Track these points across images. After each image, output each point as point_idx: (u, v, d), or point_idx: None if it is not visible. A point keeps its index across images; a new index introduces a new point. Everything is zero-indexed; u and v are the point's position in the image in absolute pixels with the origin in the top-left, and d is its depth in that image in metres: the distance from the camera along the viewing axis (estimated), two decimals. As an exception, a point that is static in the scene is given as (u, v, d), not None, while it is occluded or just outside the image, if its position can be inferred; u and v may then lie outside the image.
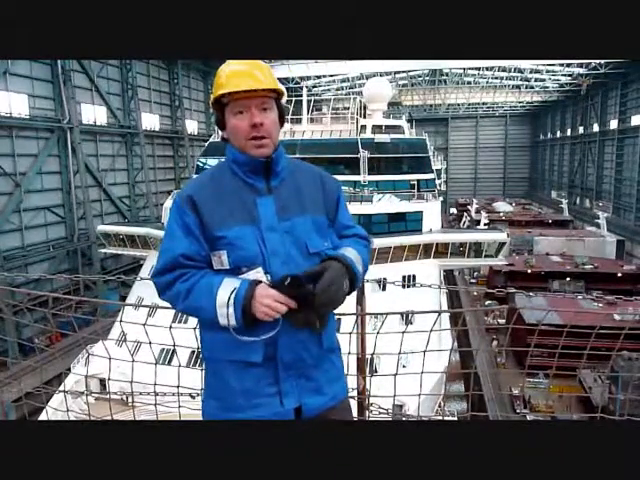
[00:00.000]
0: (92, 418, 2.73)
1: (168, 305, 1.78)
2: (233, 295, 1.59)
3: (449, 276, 36.93)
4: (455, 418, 13.77)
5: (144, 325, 2.68)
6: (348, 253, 1.76)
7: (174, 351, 2.75)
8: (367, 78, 44.10)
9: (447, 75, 55.78)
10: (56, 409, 4.77)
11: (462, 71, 53.56)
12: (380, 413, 2.78)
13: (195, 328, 2.18)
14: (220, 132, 1.85)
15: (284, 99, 1.86)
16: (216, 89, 1.74)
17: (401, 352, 2.58)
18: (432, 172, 26.30)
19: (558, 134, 67.74)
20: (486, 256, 23.15)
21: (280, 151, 1.80)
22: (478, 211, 50.07)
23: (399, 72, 52.10)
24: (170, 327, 2.52)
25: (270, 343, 1.66)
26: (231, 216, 1.71)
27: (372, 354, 2.67)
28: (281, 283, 1.59)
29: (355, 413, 2.24)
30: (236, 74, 1.71)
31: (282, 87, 1.78)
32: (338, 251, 1.76)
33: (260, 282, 1.62)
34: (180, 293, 1.68)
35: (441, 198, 27.70)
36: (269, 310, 1.57)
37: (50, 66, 29.10)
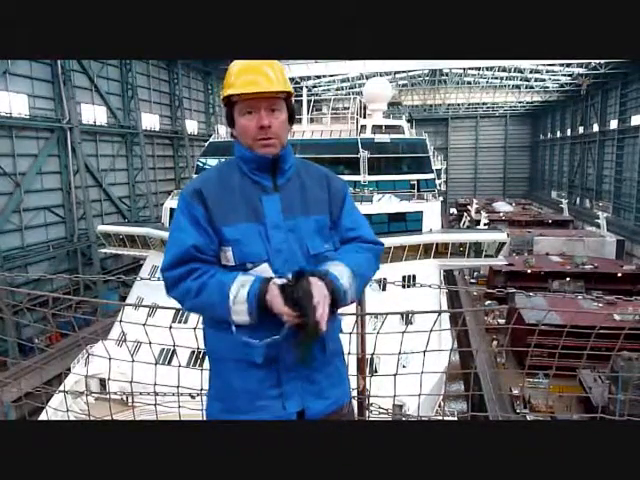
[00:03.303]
0: (92, 418, 2.72)
1: (168, 305, 1.77)
2: (247, 290, 1.55)
3: (449, 276, 36.93)
4: (455, 418, 13.78)
5: (144, 325, 2.68)
6: (333, 269, 1.63)
7: (174, 351, 2.75)
8: (367, 78, 44.13)
9: (447, 75, 55.82)
10: (56, 409, 4.77)
11: (462, 71, 53.60)
12: (380, 413, 2.78)
13: (195, 328, 2.18)
14: (228, 130, 1.84)
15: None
16: (225, 88, 1.72)
17: (401, 352, 2.58)
18: (432, 172, 26.33)
19: (558, 134, 67.74)
20: (486, 256, 23.17)
21: (288, 149, 1.78)
22: (478, 211, 50.06)
23: (399, 72, 52.16)
24: (170, 327, 2.52)
25: (272, 344, 1.63)
26: (237, 213, 1.69)
27: (372, 354, 2.67)
28: (286, 287, 1.53)
29: (355, 413, 2.24)
30: (245, 73, 1.68)
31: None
32: (323, 266, 1.65)
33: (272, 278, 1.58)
34: (190, 290, 1.63)
35: (441, 198, 27.70)
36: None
37: (50, 66, 29.08)
